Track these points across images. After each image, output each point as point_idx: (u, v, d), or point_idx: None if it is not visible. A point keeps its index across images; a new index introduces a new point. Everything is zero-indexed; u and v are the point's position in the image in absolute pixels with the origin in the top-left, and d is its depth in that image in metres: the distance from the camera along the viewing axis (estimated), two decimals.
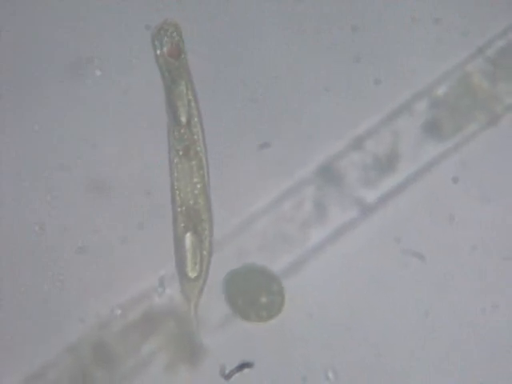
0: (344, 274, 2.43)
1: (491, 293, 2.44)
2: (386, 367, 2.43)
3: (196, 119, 2.42)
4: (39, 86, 2.46)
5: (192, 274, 2.40)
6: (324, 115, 2.48)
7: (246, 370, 2.40)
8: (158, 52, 2.44)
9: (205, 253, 2.40)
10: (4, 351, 2.41)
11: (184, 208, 2.39)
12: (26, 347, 2.41)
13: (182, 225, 2.40)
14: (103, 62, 2.47)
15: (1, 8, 2.48)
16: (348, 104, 2.48)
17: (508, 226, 2.46)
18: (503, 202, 2.46)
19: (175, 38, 2.43)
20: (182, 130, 2.41)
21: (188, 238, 2.40)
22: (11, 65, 2.47)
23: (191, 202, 2.39)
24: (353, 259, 2.43)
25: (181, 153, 2.38)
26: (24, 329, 2.41)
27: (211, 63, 2.48)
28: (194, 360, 2.39)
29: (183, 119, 2.41)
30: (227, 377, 2.39)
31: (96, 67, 2.47)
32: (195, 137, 2.41)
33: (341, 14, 2.50)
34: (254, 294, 2.41)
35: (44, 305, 2.42)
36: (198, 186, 2.40)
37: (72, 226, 2.44)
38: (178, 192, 2.41)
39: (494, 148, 2.47)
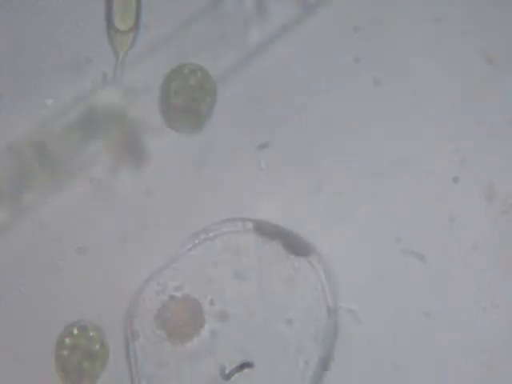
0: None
1: (491, 293, 2.44)
2: (386, 367, 2.43)
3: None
4: (39, 86, 2.46)
5: (122, 27, 2.38)
6: (324, 115, 2.48)
7: (246, 370, 2.40)
8: None
9: (135, 4, 2.38)
10: (4, 351, 2.42)
11: None
12: (27, 348, 2.41)
13: None
14: (103, 62, 2.47)
15: (1, 8, 2.48)
16: (348, 104, 2.49)
17: (508, 227, 2.46)
18: (503, 202, 2.46)
19: None
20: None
21: None
22: (11, 65, 2.48)
23: None
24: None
25: None
26: (24, 330, 2.41)
27: (212, 64, 2.48)
28: (136, 163, 2.36)
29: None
30: (227, 377, 2.39)
31: (96, 67, 2.47)
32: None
33: (342, 15, 2.50)
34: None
35: (44, 305, 2.42)
36: None
37: (72, 226, 2.44)
38: None
39: (494, 148, 2.48)
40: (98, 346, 2.40)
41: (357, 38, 2.50)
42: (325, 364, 2.41)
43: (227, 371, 2.40)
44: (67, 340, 2.40)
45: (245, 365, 2.40)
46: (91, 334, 2.40)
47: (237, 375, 2.40)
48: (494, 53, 2.49)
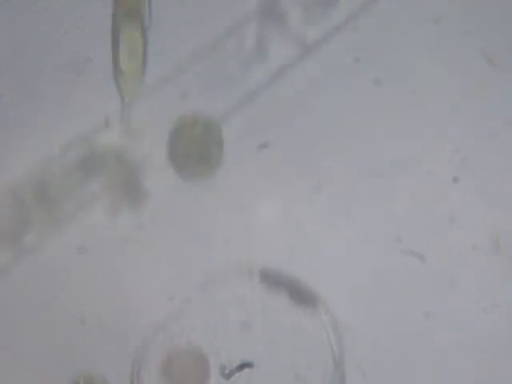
0: None
1: (491, 293, 2.44)
2: (386, 367, 2.43)
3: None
4: (39, 86, 2.46)
5: (127, 69, 2.37)
6: (324, 115, 2.48)
7: (246, 370, 2.40)
8: None
9: (142, 48, 2.37)
10: (4, 351, 2.42)
11: None
12: (27, 348, 2.41)
13: (121, 12, 2.37)
14: (103, 62, 2.47)
15: (1, 8, 2.48)
16: (348, 104, 2.49)
17: (508, 226, 2.46)
18: (503, 202, 2.46)
19: None
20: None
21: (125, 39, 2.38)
22: (11, 65, 2.48)
23: None
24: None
25: None
26: (24, 330, 2.41)
27: (211, 64, 2.48)
28: (135, 202, 2.36)
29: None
30: (227, 377, 2.39)
31: (96, 67, 2.47)
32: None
33: (342, 15, 2.50)
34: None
35: (44, 305, 2.42)
36: None
37: (72, 226, 2.44)
38: None
39: (494, 148, 2.48)
40: None
41: (357, 38, 2.50)
42: None
43: (227, 371, 2.40)
44: None
45: (245, 365, 2.40)
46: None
47: (237, 375, 2.40)
48: (494, 53, 2.49)
